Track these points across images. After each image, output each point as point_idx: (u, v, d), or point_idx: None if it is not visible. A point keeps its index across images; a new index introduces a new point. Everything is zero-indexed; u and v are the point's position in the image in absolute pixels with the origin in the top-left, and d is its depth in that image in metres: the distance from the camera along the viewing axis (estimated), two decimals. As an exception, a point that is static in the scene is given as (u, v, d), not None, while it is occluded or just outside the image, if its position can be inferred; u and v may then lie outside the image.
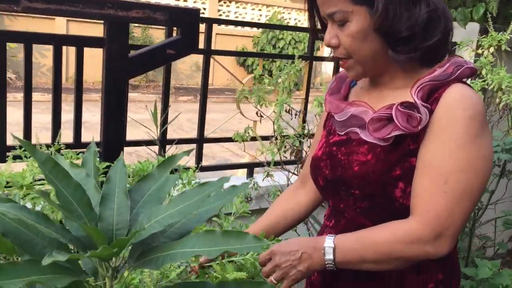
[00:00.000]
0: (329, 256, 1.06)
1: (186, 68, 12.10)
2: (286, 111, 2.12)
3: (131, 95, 10.04)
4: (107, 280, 0.77)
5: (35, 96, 9.56)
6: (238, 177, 2.87)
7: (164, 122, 2.30)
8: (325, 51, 11.46)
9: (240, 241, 0.68)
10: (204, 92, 2.42)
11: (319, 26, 1.19)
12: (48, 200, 0.67)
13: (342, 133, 1.17)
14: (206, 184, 0.80)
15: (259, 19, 12.83)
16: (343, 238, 1.07)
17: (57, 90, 1.92)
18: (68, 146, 1.91)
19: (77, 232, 0.78)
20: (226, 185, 0.89)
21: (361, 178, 1.08)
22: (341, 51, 1.10)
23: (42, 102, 7.95)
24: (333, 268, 1.06)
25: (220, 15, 12.39)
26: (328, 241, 1.07)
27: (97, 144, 2.05)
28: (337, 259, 1.05)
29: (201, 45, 2.29)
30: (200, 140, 2.48)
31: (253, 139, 2.36)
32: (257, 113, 2.18)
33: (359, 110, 1.11)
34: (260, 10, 12.83)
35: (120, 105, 1.95)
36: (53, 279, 0.68)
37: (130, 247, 0.81)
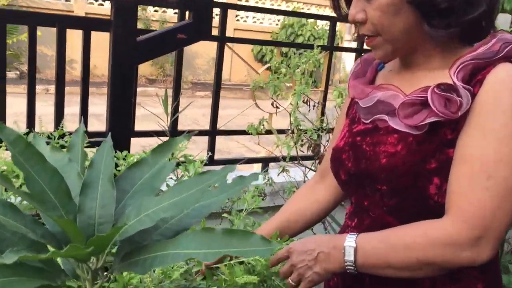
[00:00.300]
0: (350, 257, 0.92)
1: (204, 63, 12.01)
2: (303, 101, 1.98)
3: (148, 89, 9.99)
4: (87, 284, 0.64)
5: (52, 88, 9.60)
6: (256, 171, 2.74)
7: (175, 112, 2.18)
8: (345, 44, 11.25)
9: (244, 243, 0.55)
10: (217, 82, 2.30)
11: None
12: (10, 186, 0.54)
13: (368, 121, 1.03)
14: (207, 173, 0.67)
15: (278, 16, 12.67)
16: (367, 238, 0.94)
17: (60, 75, 1.81)
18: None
19: (54, 227, 0.65)
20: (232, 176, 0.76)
21: (389, 172, 0.94)
22: (368, 28, 0.96)
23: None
24: (353, 271, 0.93)
25: (238, 20, 12.26)
26: (350, 240, 0.93)
27: (103, 133, 1.94)
28: (358, 261, 0.92)
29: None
30: (213, 132, 2.36)
31: (268, 132, 2.22)
32: (272, 104, 2.05)
33: (387, 95, 0.97)
34: (279, 5, 12.66)
35: (127, 92, 1.84)
36: (18, 282, 0.56)
37: (117, 245, 0.69)
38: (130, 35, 1.77)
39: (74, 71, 9.91)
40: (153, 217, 0.62)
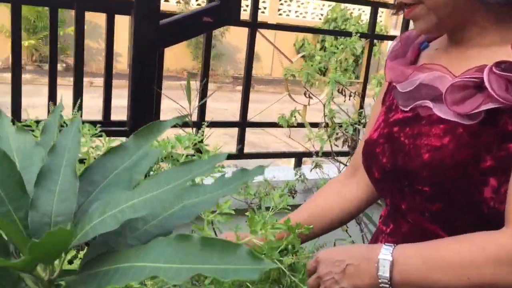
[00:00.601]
0: (384, 273, 0.76)
1: (244, 57, 11.93)
2: (338, 91, 1.81)
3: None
4: (42, 298, 0.52)
5: (96, 81, 9.74)
6: (288, 166, 2.59)
7: (202, 105, 2.05)
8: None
9: (227, 258, 0.41)
10: (248, 71, 2.15)
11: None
12: None
13: (407, 109, 0.86)
14: (191, 163, 0.53)
15: (321, 10, 12.41)
16: (406, 250, 0.78)
17: (79, 62, 1.72)
18: (96, 123, 1.74)
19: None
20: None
21: (433, 170, 0.77)
22: None
23: (101, 87, 8.01)
24: None
25: (281, 14, 12.07)
26: (385, 252, 0.77)
27: (124, 123, 1.84)
28: (394, 278, 0.76)
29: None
30: (243, 123, 2.21)
31: (301, 125, 2.06)
32: (305, 94, 1.89)
33: (432, 76, 0.80)
34: (323, 4, 12.39)
35: (149, 79, 1.72)
36: None
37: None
38: (153, 17, 1.66)
39: (119, 64, 10.04)
40: (119, 217, 0.48)
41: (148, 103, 1.74)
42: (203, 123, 1.42)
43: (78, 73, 1.72)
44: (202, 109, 2.07)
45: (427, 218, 0.81)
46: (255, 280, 1.00)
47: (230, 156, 2.31)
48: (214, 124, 2.18)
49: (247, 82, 2.17)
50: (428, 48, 0.93)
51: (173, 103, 1.78)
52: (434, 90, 0.80)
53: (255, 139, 6.77)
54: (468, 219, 0.76)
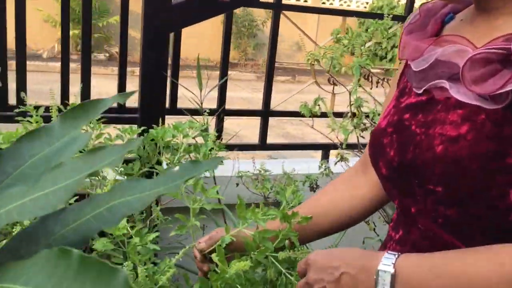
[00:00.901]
0: (384, 286, 0.64)
1: (286, 47, 11.71)
2: (364, 77, 1.65)
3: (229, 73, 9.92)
4: None
5: (137, 71, 9.91)
6: (311, 159, 2.45)
7: (222, 89, 1.94)
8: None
9: (104, 285, 0.29)
10: (271, 57, 2.02)
11: None
12: None
13: (420, 91, 0.71)
14: (101, 150, 0.41)
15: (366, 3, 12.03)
16: (411, 261, 0.65)
17: (86, 47, 1.65)
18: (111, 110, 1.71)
19: None
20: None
21: (447, 166, 0.63)
22: None
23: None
24: None
25: (324, 2, 11.76)
26: (386, 262, 0.65)
27: (135, 109, 1.76)
28: None
29: None
30: (265, 112, 2.09)
31: (325, 115, 1.91)
32: (329, 80, 1.74)
33: (451, 50, 0.65)
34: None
35: (160, 64, 1.62)
36: None
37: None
38: (164, -3, 1.55)
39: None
40: (2, 221, 0.38)
41: (158, 89, 1.65)
42: (205, 111, 1.30)
43: (86, 62, 1.65)
44: (221, 97, 1.95)
45: (440, 225, 0.67)
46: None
47: (254, 147, 2.20)
48: (233, 113, 2.07)
49: (270, 69, 2.04)
50: (454, 20, 0.78)
51: (196, 91, 1.68)
52: (453, 67, 0.65)
53: (293, 131, 6.62)
54: (488, 229, 0.62)
